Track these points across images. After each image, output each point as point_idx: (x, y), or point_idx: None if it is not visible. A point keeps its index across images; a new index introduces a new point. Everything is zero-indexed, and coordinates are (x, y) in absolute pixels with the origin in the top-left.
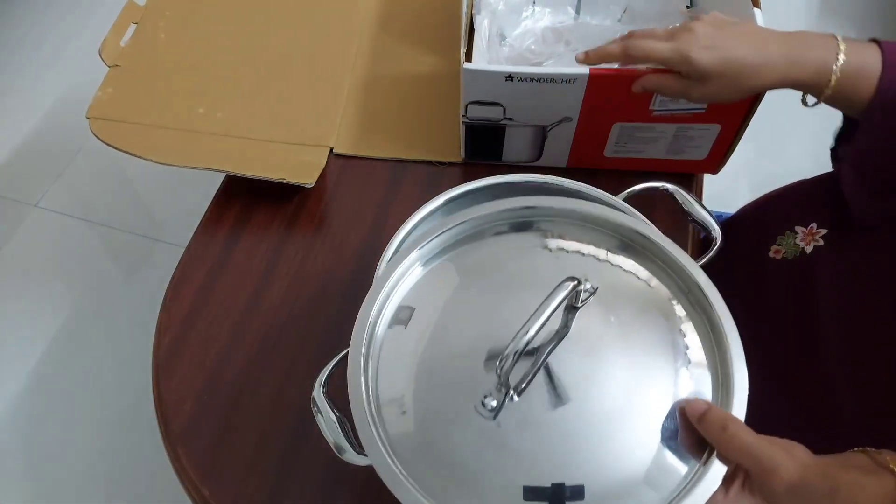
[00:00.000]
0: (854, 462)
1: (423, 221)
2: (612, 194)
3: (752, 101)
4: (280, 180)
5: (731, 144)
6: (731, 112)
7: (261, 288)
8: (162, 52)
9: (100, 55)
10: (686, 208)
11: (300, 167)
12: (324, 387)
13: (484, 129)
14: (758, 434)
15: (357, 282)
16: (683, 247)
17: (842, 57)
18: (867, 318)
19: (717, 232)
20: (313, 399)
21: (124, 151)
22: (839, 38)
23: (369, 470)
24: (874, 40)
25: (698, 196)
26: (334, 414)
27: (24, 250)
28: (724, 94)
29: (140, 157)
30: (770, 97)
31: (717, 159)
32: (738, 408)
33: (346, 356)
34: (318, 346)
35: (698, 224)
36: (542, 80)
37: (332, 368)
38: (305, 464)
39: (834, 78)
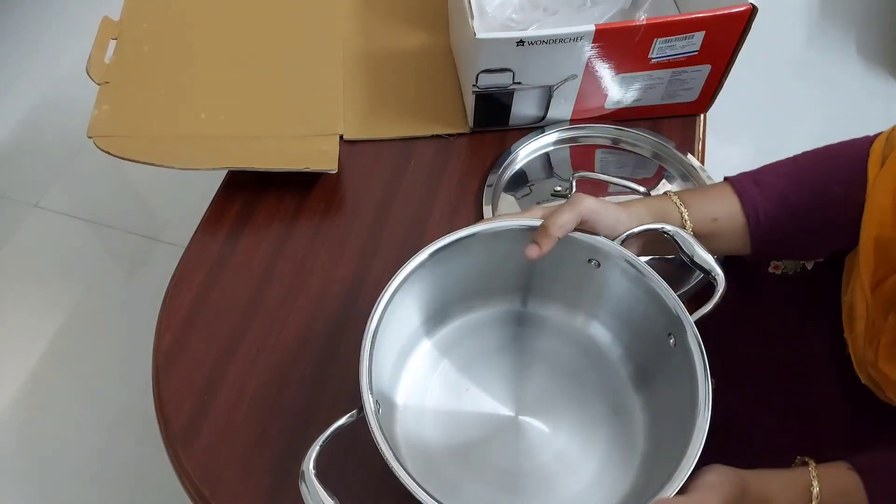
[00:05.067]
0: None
1: (410, 276)
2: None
3: (738, 40)
4: (305, 170)
5: (719, 84)
6: (721, 52)
7: (261, 288)
8: (149, 64)
9: (87, 74)
10: (686, 250)
11: (317, 156)
12: (314, 463)
13: (493, 96)
14: (672, 499)
15: (358, 280)
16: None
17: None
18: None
19: (720, 277)
20: (302, 473)
21: (139, 162)
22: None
23: (368, 470)
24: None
25: (701, 158)
26: (327, 495)
27: (24, 250)
28: None
29: (157, 165)
30: (770, 98)
31: (706, 99)
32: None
33: (331, 434)
34: (318, 346)
35: (699, 268)
36: (551, 41)
37: (324, 442)
38: None
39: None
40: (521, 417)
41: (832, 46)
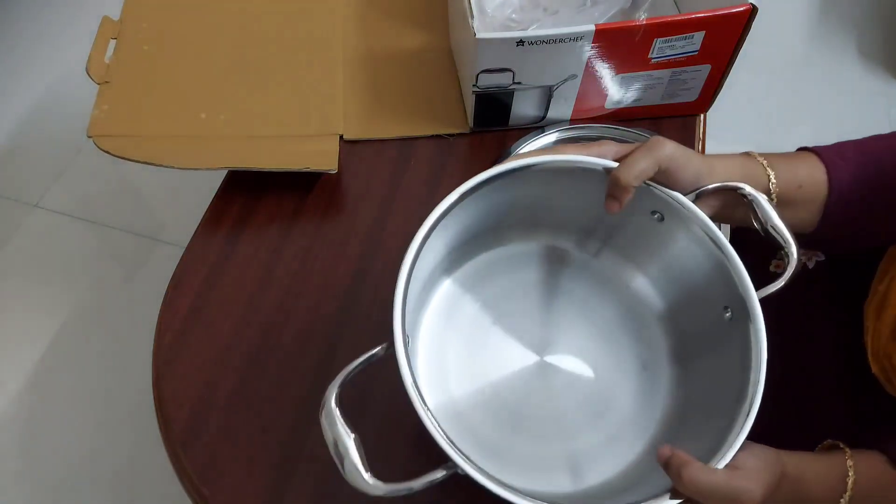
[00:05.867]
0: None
1: (455, 206)
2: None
3: (738, 40)
4: (305, 170)
5: (719, 84)
6: (721, 52)
7: (261, 287)
8: (149, 64)
9: (87, 73)
10: (761, 217)
11: (317, 156)
12: (337, 400)
13: (493, 97)
14: (715, 470)
15: (358, 281)
16: None
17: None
18: (858, 331)
19: (794, 253)
20: (322, 419)
21: (139, 162)
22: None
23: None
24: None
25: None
26: (348, 435)
27: (24, 250)
28: None
29: (158, 165)
30: (770, 98)
31: (706, 99)
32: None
33: (356, 367)
34: (318, 346)
35: (772, 237)
36: (551, 41)
37: (346, 379)
38: (305, 464)
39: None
40: (546, 359)
41: (832, 46)
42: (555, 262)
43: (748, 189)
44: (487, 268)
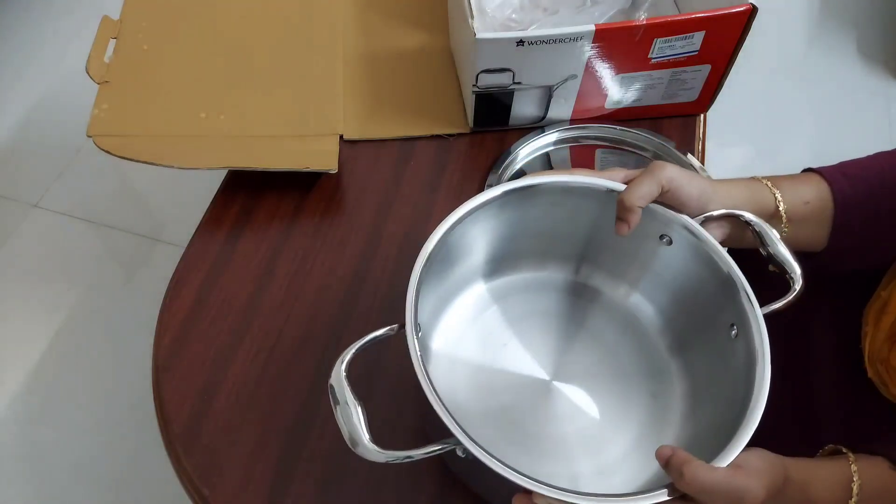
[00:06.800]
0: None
1: (474, 212)
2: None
3: (738, 40)
4: (305, 170)
5: (719, 84)
6: (721, 52)
7: (261, 287)
8: (149, 64)
9: (87, 73)
10: (767, 244)
11: (317, 156)
12: (345, 371)
13: (493, 96)
14: (717, 468)
15: (358, 281)
16: None
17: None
18: (856, 336)
19: (798, 276)
20: (331, 386)
21: (141, 161)
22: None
23: (370, 468)
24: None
25: (701, 158)
26: (354, 402)
27: (24, 250)
28: None
29: (158, 164)
30: (770, 99)
31: (706, 99)
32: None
33: (369, 341)
34: (318, 346)
35: (776, 264)
36: (551, 41)
37: (357, 351)
38: (305, 463)
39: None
40: (555, 383)
41: (832, 46)
42: (572, 293)
43: (749, 216)
44: (521, 286)
